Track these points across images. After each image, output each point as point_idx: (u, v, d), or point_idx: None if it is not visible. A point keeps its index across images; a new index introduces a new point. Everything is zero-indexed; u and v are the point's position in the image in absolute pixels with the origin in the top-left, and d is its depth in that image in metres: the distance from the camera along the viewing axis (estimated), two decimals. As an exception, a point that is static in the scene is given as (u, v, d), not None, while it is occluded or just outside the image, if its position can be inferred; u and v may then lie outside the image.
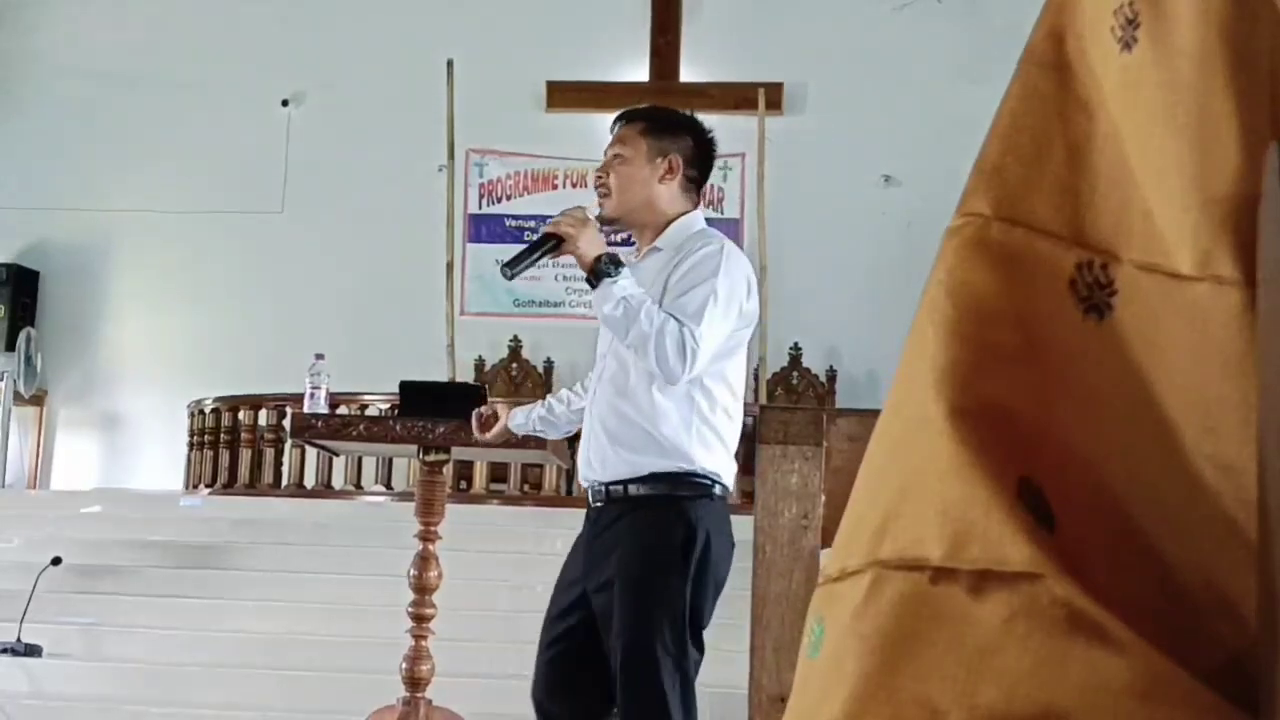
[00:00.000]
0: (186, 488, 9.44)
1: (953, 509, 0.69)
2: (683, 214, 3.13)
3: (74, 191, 11.77)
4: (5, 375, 10.69)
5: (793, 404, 10.20)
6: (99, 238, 11.82)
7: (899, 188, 10.90)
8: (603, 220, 3.10)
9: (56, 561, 6.43)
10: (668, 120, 3.26)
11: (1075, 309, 0.74)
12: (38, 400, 11.38)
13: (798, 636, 1.48)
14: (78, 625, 6.03)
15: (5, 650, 5.75)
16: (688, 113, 3.36)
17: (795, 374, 10.76)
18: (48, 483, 11.37)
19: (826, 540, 1.41)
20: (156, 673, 5.72)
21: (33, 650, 5.79)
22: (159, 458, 10.81)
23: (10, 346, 10.99)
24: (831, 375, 10.77)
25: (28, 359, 10.99)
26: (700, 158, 3.19)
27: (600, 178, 3.17)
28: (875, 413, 1.19)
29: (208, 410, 9.50)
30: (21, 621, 5.89)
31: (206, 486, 9.13)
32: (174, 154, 11.65)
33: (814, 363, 10.79)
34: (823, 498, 1.37)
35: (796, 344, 10.68)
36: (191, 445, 9.72)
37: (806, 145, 10.77)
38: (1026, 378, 0.73)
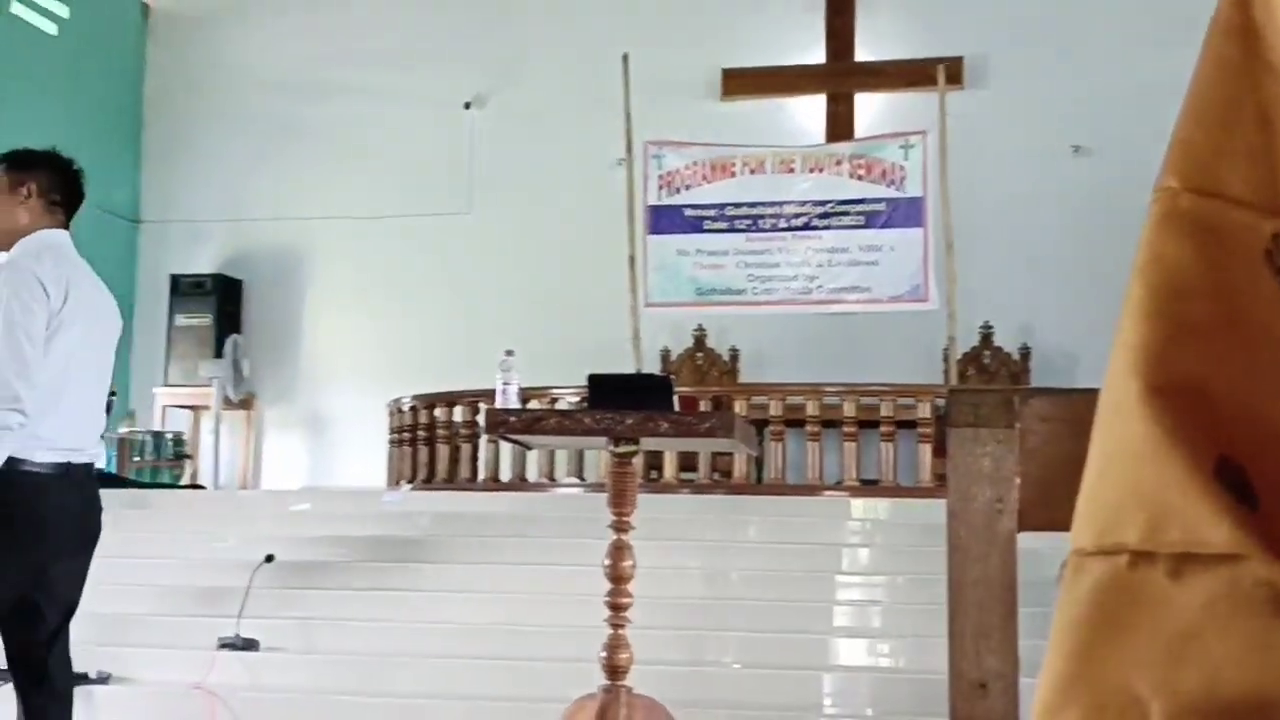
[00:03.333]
0: (389, 483, 9.73)
1: (1149, 491, 0.67)
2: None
3: (273, 202, 12.24)
4: (216, 381, 11.17)
5: (985, 384, 10.00)
6: (298, 245, 12.27)
7: (1090, 157, 10.59)
8: None
9: (269, 559, 6.70)
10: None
11: (1272, 279, 0.72)
12: (246, 404, 11.87)
13: (996, 622, 1.46)
14: (291, 619, 6.27)
15: (225, 645, 6.02)
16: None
17: (987, 353, 10.54)
18: (259, 483, 11.85)
19: (1023, 524, 1.39)
20: (366, 664, 5.92)
21: (250, 644, 6.04)
22: (361, 455, 11.16)
23: (219, 353, 11.48)
24: (1025, 353, 10.52)
25: (235, 365, 11.46)
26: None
27: None
28: (1070, 392, 1.17)
29: (406, 408, 9.77)
30: (239, 617, 6.16)
31: (407, 482, 9.40)
32: (365, 161, 12.02)
33: (1006, 341, 10.55)
34: (1017, 481, 1.35)
35: (987, 323, 10.46)
36: (392, 442, 10.01)
37: (990, 119, 10.54)
38: (1223, 353, 0.71)
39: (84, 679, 5.78)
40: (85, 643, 6.19)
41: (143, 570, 6.97)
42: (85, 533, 3.87)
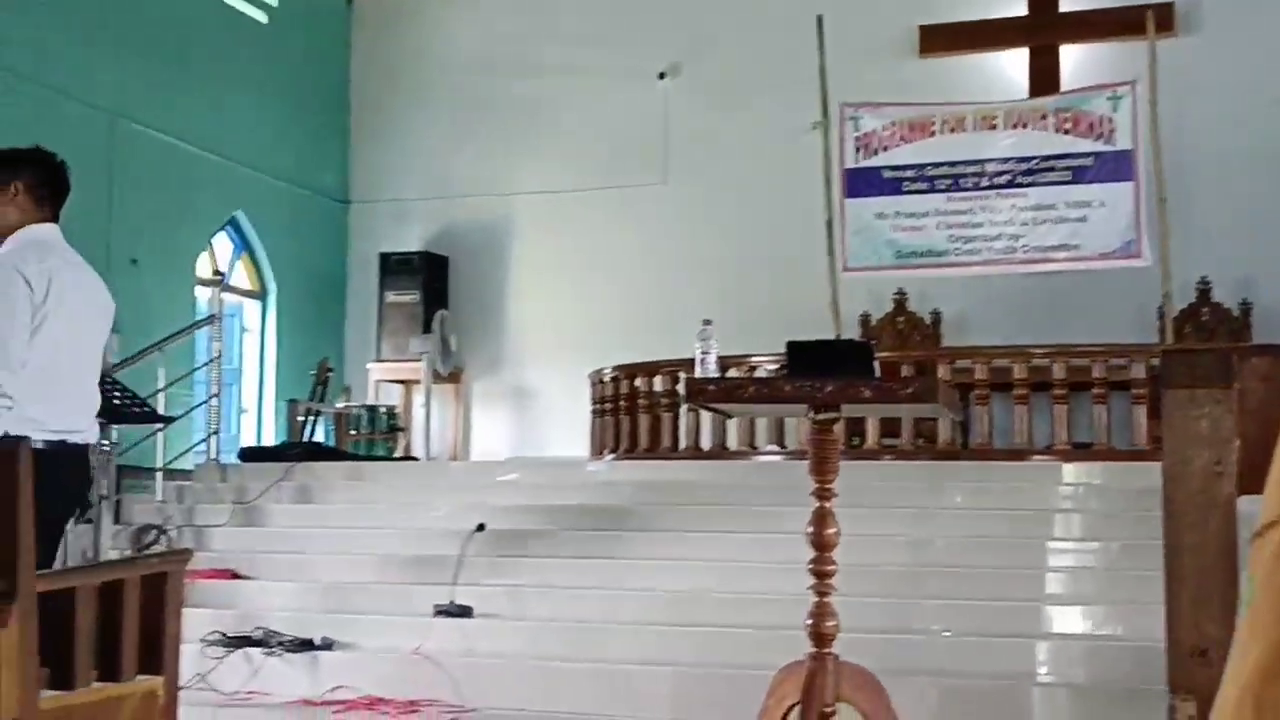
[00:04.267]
0: (592, 453, 9.88)
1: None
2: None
3: (474, 179, 12.51)
4: (425, 356, 11.49)
5: (1203, 342, 9.60)
6: (499, 220, 12.52)
7: (1312, 103, 10.06)
8: None
9: (481, 528, 6.89)
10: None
11: None
12: (455, 378, 12.18)
13: (1215, 588, 1.41)
14: (502, 586, 6.44)
15: (441, 612, 6.21)
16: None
17: (1205, 310, 10.12)
18: (468, 454, 12.17)
19: (1243, 488, 1.34)
20: (575, 630, 6.04)
21: (464, 611, 6.23)
22: (565, 426, 11.35)
23: (427, 329, 11.81)
24: (1246, 310, 10.07)
25: (443, 340, 11.78)
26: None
27: None
28: (1290, 351, 1.11)
29: (607, 379, 9.90)
30: (454, 585, 6.35)
31: (610, 452, 9.52)
32: (562, 135, 12.19)
33: (1225, 297, 10.11)
34: (1236, 443, 1.30)
35: (1205, 278, 10.05)
36: (594, 413, 10.15)
37: (1203, 67, 10.09)
38: None
39: (309, 645, 6.05)
40: (311, 610, 6.48)
41: (362, 539, 7.24)
42: (70, 508, 4.14)
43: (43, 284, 3.93)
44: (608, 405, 9.83)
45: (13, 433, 3.68)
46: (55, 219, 4.13)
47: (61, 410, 3.93)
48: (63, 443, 3.92)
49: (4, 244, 4.03)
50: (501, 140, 12.41)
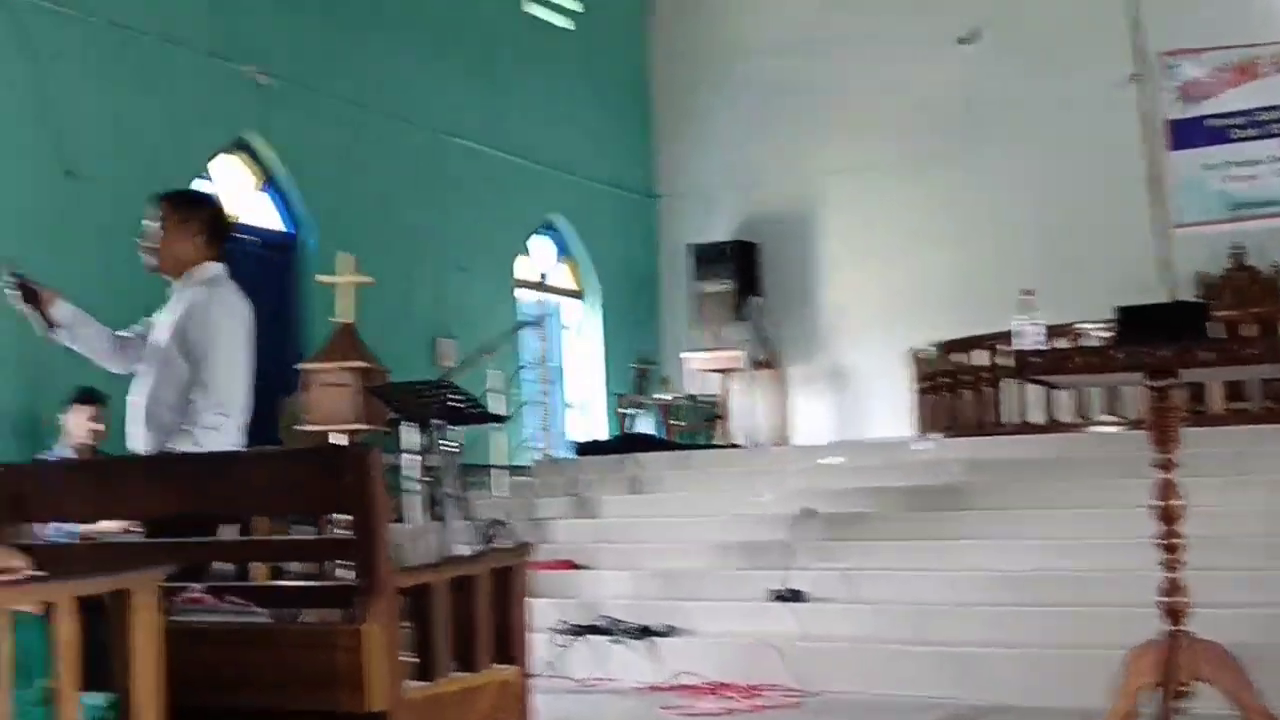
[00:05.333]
0: (916, 432, 9.72)
1: None
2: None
3: (778, 163, 12.52)
4: (741, 344, 11.59)
5: None
6: (807, 203, 12.50)
7: None
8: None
9: (810, 512, 6.89)
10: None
11: None
12: (771, 363, 12.23)
13: None
14: (834, 570, 6.41)
15: (776, 597, 6.25)
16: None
17: None
18: (789, 439, 12.19)
19: None
20: (912, 613, 5.95)
21: (798, 595, 6.24)
22: (886, 406, 11.22)
23: (741, 317, 11.90)
24: None
25: (758, 326, 11.84)
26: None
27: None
28: None
29: (929, 356, 9.72)
30: (786, 569, 6.37)
31: (935, 430, 9.35)
32: (862, 111, 12.05)
33: None
34: None
35: None
36: (915, 391, 9.99)
37: None
38: None
39: (649, 631, 6.19)
40: (648, 597, 6.64)
41: (692, 527, 7.36)
42: None
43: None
44: (929, 383, 9.65)
45: (231, 447, 4.09)
46: (223, 258, 4.47)
47: (242, 427, 4.29)
48: None
49: (185, 278, 4.36)
50: (803, 121, 12.37)
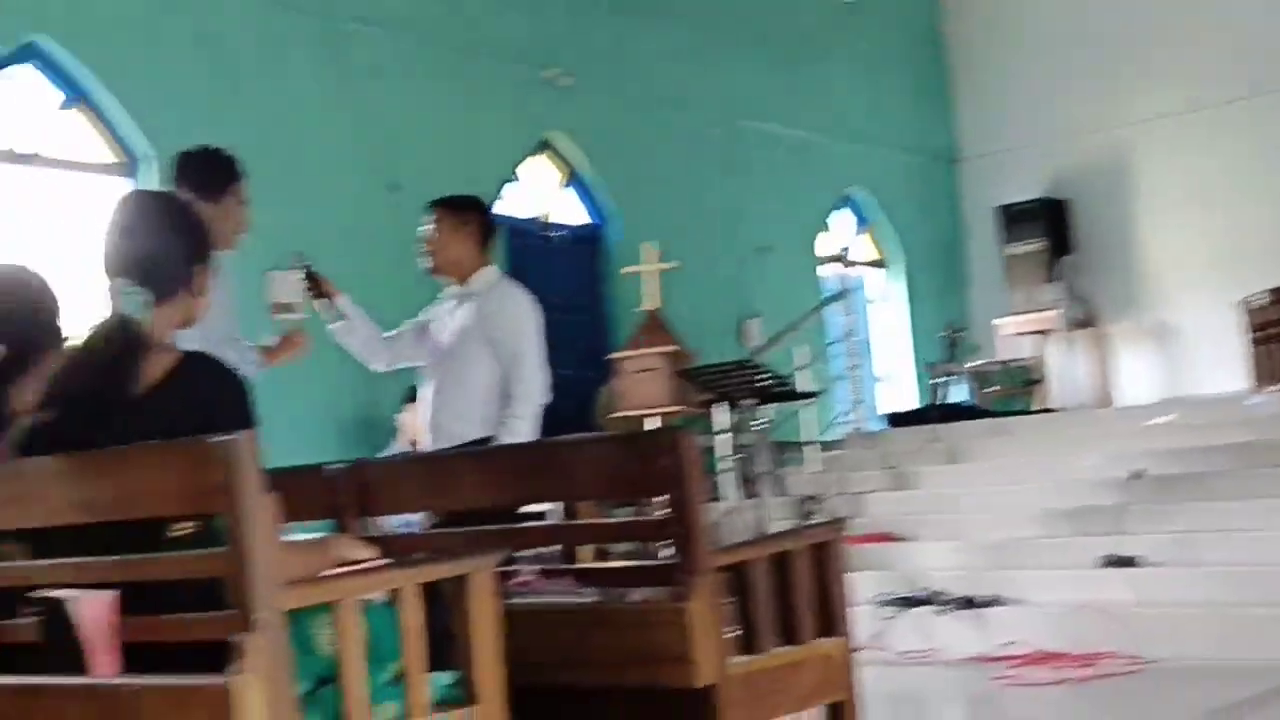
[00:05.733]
0: (1252, 386, 9.17)
1: None
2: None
3: (1086, 115, 12.03)
4: (1055, 305, 11.21)
5: None
6: (1119, 154, 11.97)
7: None
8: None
9: (1138, 474, 6.62)
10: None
11: None
12: (1088, 323, 11.78)
13: None
14: (1168, 533, 6.14)
15: (1107, 563, 6.03)
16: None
17: None
18: (1113, 400, 11.71)
19: None
20: (1255, 574, 5.64)
21: (1130, 561, 6.00)
22: (1215, 360, 10.64)
23: (1053, 277, 11.50)
24: None
25: (1071, 286, 11.42)
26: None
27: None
28: None
29: (1261, 304, 9.15)
30: (1116, 534, 6.15)
31: (1272, 383, 8.80)
32: (1177, 51, 11.47)
33: None
34: None
35: None
36: (1250, 342, 9.42)
37: None
38: None
39: (973, 602, 6.09)
40: (970, 568, 6.53)
41: (1011, 495, 7.19)
42: None
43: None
44: (1264, 333, 9.08)
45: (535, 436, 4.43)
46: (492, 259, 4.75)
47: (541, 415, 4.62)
48: None
49: (469, 281, 4.62)
50: (1109, 69, 11.84)
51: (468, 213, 4.71)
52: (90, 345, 2.36)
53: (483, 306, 4.59)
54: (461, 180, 8.30)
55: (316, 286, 4.59)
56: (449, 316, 4.67)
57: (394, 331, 4.80)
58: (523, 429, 4.47)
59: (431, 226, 4.67)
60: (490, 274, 4.69)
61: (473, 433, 4.47)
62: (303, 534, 2.57)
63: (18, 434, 2.35)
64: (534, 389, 4.53)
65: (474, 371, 4.52)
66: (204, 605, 2.15)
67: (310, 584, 2.21)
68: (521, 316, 4.60)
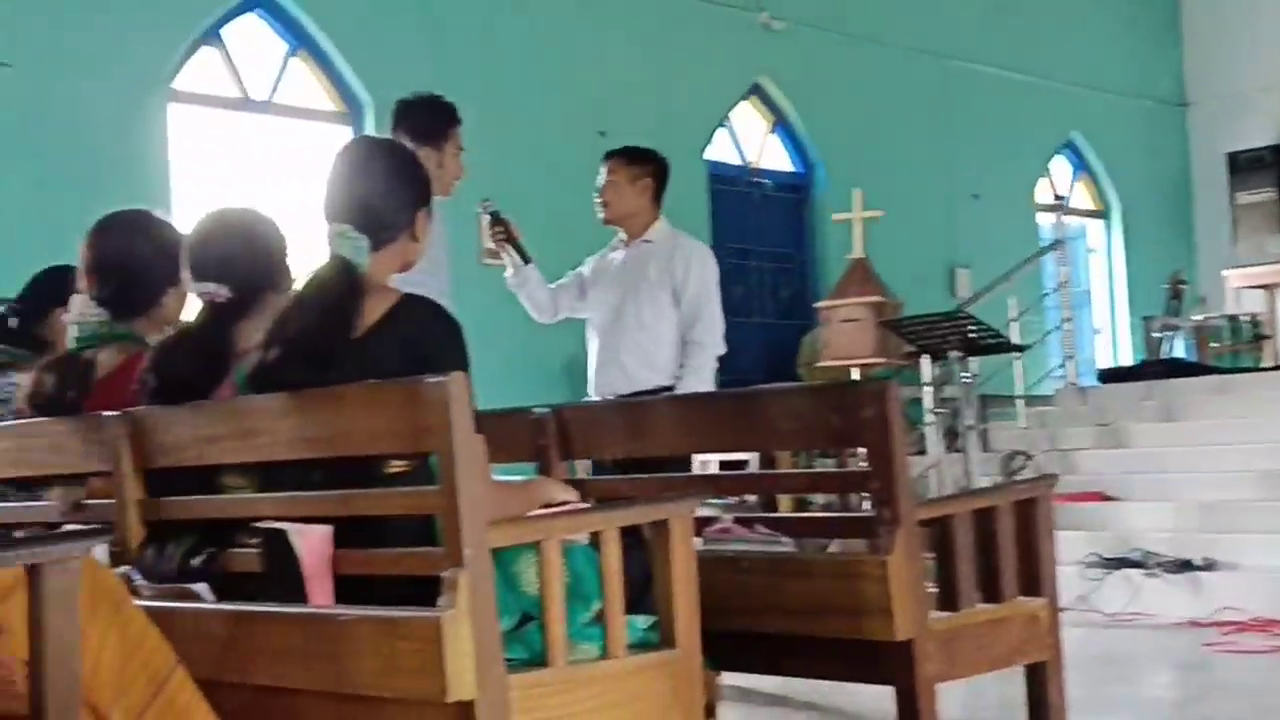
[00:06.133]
0: None
1: None
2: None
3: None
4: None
5: None
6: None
7: None
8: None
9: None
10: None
11: None
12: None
13: None
14: None
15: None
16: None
17: None
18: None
19: None
20: None
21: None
22: None
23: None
24: None
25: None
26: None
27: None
28: None
29: None
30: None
31: None
32: None
33: None
34: None
35: None
36: None
37: None
38: None
39: (1189, 565, 5.89)
40: (1186, 530, 6.32)
41: (1233, 456, 6.91)
42: None
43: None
44: None
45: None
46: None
47: None
48: None
49: (646, 232, 4.69)
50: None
51: (645, 165, 4.76)
52: (311, 288, 2.45)
53: (664, 256, 4.67)
54: (671, 125, 8.40)
55: (506, 231, 4.68)
56: (620, 267, 4.74)
57: (556, 284, 4.88)
58: (705, 377, 4.57)
59: (608, 177, 4.72)
60: (664, 226, 4.76)
61: (656, 380, 4.57)
62: (507, 475, 2.64)
63: (243, 373, 2.47)
64: (715, 338, 4.63)
65: (657, 320, 4.60)
66: (410, 541, 2.23)
67: (516, 524, 2.27)
68: (705, 266, 4.68)
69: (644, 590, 2.40)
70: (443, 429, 2.06)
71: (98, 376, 2.85)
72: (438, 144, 4.31)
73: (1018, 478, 6.58)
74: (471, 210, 4.66)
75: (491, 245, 4.65)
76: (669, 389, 4.52)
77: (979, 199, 10.59)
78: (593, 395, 4.71)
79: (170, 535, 2.53)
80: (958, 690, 3.14)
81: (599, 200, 4.74)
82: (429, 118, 4.39)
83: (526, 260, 4.72)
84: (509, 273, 4.76)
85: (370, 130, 7.41)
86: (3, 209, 6.39)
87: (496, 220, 4.66)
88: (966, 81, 10.68)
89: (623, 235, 4.78)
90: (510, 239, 4.68)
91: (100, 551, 2.42)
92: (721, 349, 4.68)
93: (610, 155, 4.77)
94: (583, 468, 3.77)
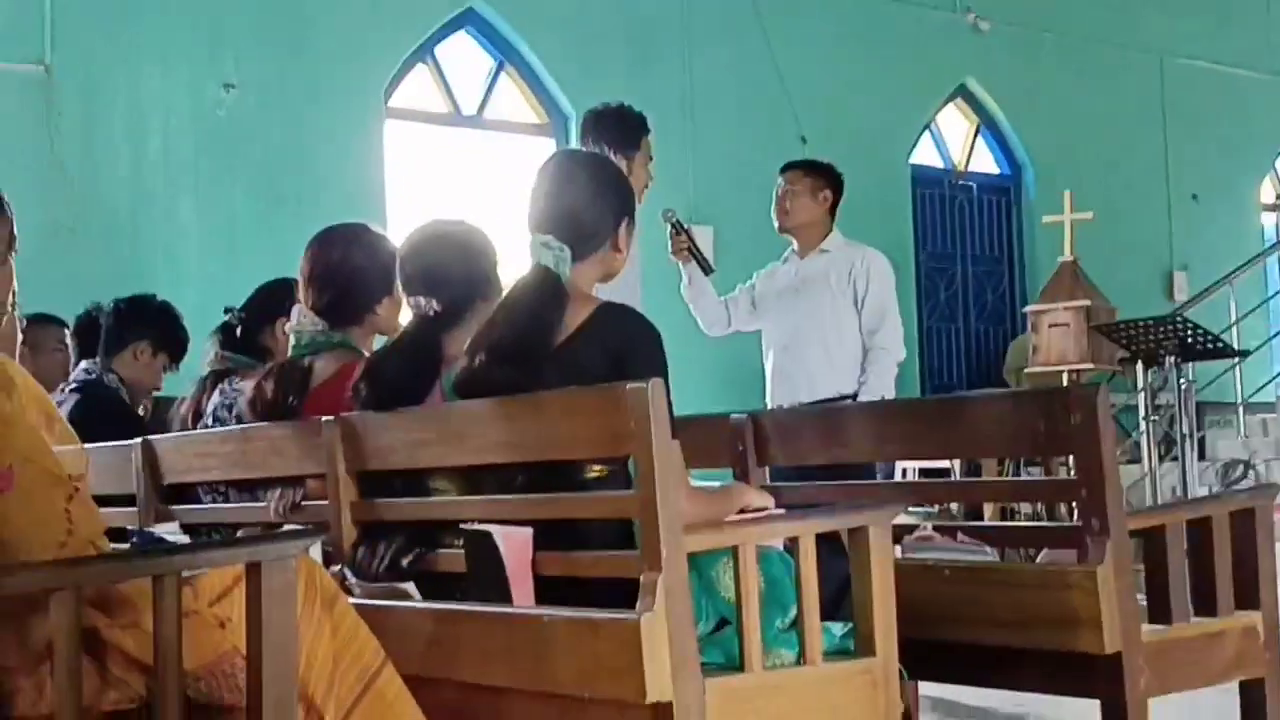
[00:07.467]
0: None
1: None
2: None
3: None
4: None
5: None
6: None
7: None
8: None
9: None
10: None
11: None
12: None
13: None
14: None
15: None
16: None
17: None
18: None
19: None
20: None
21: None
22: None
23: None
24: None
25: None
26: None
27: None
28: None
29: None
30: None
31: None
32: None
33: None
34: None
35: None
36: None
37: None
38: None
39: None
40: None
41: None
42: None
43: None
44: None
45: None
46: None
47: None
48: None
49: (824, 242, 4.77)
50: None
51: (825, 177, 4.84)
52: (515, 297, 2.52)
53: (844, 265, 4.75)
54: (873, 130, 8.32)
55: (689, 241, 4.72)
56: (797, 278, 4.79)
57: (726, 297, 4.92)
58: (887, 382, 4.62)
59: (789, 187, 4.78)
60: (838, 236, 4.84)
61: (839, 387, 4.61)
62: (704, 480, 2.66)
63: (451, 379, 2.55)
64: (897, 343, 4.69)
65: (839, 327, 4.65)
66: (608, 544, 2.27)
67: (713, 529, 2.29)
68: (885, 273, 4.77)
69: (840, 597, 2.39)
70: (641, 434, 2.09)
71: (315, 383, 2.98)
72: (628, 153, 4.38)
73: (1236, 488, 6.32)
74: (659, 218, 4.72)
75: (673, 256, 4.72)
76: (851, 396, 4.57)
77: (1198, 199, 10.20)
78: (770, 405, 4.74)
79: (381, 535, 2.63)
80: (1169, 706, 3.03)
81: (778, 209, 4.81)
82: (619, 127, 4.45)
83: (708, 272, 4.76)
84: (685, 283, 4.81)
85: (574, 143, 7.55)
86: (230, 224, 6.72)
87: (679, 230, 4.69)
88: (1185, 78, 10.29)
89: (795, 247, 4.86)
90: (692, 249, 4.72)
91: (315, 550, 2.53)
92: (902, 354, 4.75)
93: (790, 167, 4.91)
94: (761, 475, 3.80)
